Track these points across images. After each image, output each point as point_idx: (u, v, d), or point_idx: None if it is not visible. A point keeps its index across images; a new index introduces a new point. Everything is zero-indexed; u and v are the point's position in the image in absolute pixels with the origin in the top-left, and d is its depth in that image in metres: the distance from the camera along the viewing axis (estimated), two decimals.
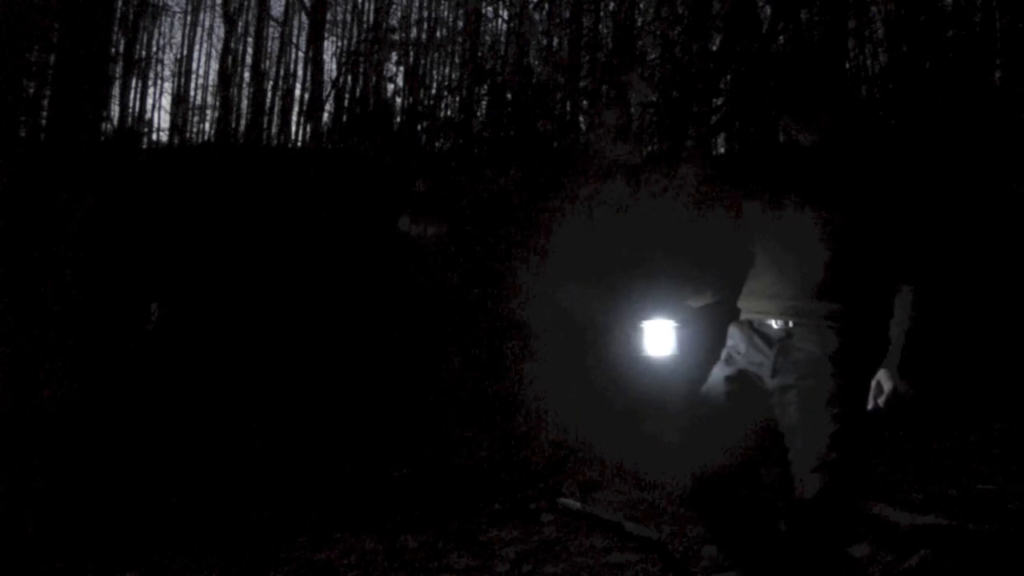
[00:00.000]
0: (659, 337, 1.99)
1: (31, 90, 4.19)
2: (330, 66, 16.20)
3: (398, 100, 12.33)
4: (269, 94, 16.54)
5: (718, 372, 1.97)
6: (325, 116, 14.06)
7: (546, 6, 8.89)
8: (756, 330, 1.93)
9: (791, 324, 1.86)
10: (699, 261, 2.08)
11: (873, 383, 1.81)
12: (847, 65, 7.24)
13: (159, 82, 17.29)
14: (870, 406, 1.80)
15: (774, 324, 1.89)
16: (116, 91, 14.07)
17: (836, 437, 1.74)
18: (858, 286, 1.84)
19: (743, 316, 2.01)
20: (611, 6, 8.09)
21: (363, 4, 16.18)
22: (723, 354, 2.01)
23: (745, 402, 1.89)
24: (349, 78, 15.18)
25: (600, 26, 8.61)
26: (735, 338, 1.98)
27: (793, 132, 1.93)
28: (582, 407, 4.13)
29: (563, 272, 4.07)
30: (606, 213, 4.34)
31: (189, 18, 17.87)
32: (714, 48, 4.92)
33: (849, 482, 1.73)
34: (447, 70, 14.94)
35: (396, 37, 14.15)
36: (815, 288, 1.83)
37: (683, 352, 2.01)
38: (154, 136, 16.51)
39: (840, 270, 1.83)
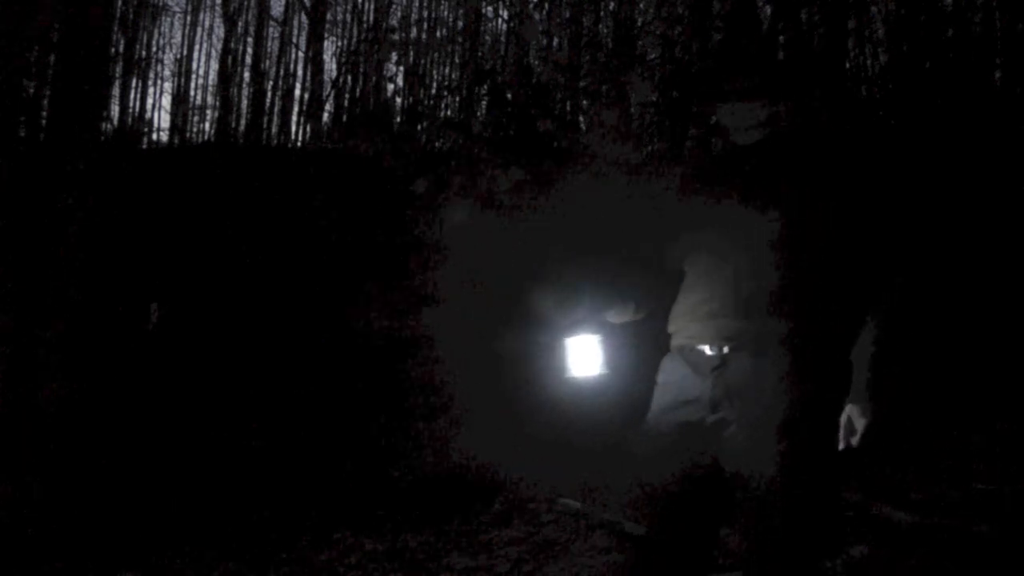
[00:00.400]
0: (585, 354, 1.73)
1: (31, 90, 4.19)
2: (330, 66, 16.22)
3: (398, 100, 12.36)
4: (269, 94, 16.57)
5: (655, 408, 1.71)
6: (325, 116, 14.07)
7: (546, 6, 8.90)
8: (688, 359, 1.65)
9: (727, 350, 1.58)
10: (620, 271, 1.80)
11: (843, 420, 1.59)
12: (847, 65, 7.24)
13: (159, 82, 17.32)
14: (842, 446, 1.58)
15: (707, 350, 1.61)
16: (116, 91, 14.10)
17: (791, 473, 1.49)
18: (811, 301, 1.55)
19: (674, 342, 1.72)
20: (611, 6, 8.11)
21: (363, 4, 16.20)
22: (656, 387, 1.73)
23: (688, 442, 1.61)
24: (349, 78, 15.20)
25: (600, 26, 8.62)
26: (667, 372, 1.71)
27: (726, 125, 1.65)
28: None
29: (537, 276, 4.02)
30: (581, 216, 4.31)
31: (189, 18, 17.90)
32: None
33: (811, 517, 1.53)
34: (447, 70, 14.97)
35: (396, 37, 14.17)
36: (760, 304, 1.55)
37: (612, 369, 1.75)
38: (154, 136, 16.54)
39: (790, 282, 1.54)
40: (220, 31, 17.31)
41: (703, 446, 1.60)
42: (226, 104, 16.20)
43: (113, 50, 12.34)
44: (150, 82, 16.84)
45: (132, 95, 15.76)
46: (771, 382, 1.54)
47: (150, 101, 19.92)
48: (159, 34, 17.31)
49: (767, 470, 1.51)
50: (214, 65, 17.66)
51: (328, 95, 14.69)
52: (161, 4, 16.29)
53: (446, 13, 15.68)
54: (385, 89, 13.30)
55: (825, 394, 1.57)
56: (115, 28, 12.12)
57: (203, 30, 18.53)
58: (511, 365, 3.88)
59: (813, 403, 1.54)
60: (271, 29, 17.29)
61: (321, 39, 15.02)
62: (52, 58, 3.93)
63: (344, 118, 13.89)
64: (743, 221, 1.60)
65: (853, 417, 1.59)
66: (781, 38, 5.95)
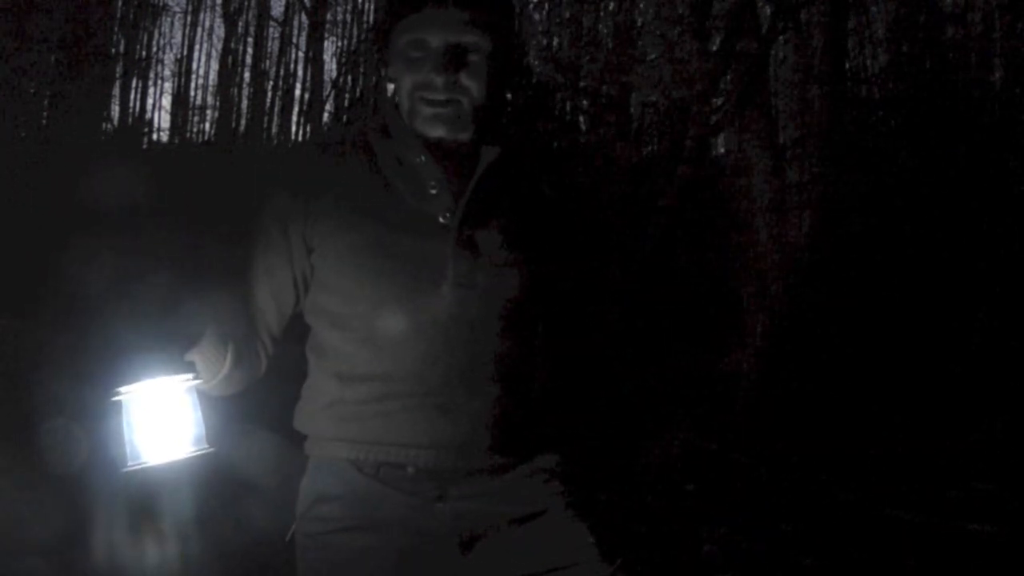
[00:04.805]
0: (162, 418, 0.86)
1: (31, 90, 4.20)
2: (330, 66, 16.23)
3: None
4: (269, 94, 16.58)
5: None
6: (325, 116, 14.08)
7: (546, 6, 8.91)
8: (376, 478, 0.94)
9: (461, 478, 0.93)
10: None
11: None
12: (847, 65, 7.25)
13: (159, 82, 17.33)
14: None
15: (409, 470, 0.93)
16: (116, 91, 14.11)
17: None
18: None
19: (323, 449, 1.00)
20: (611, 6, 8.11)
21: (363, 4, 16.19)
22: (305, 509, 0.99)
23: None
24: (349, 78, 15.21)
25: (600, 26, 8.63)
26: (328, 492, 0.97)
27: None
28: None
29: None
30: None
31: (189, 18, 17.91)
32: (714, 48, 4.93)
33: None
34: None
35: None
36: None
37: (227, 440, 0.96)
38: (154, 136, 16.56)
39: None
40: (220, 31, 17.34)
41: None
42: (226, 104, 16.23)
43: (113, 50, 12.35)
44: (150, 82, 16.87)
45: (132, 95, 15.79)
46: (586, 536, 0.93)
47: (150, 101, 19.93)
48: (159, 34, 17.32)
49: None
50: (214, 65, 17.69)
51: (328, 95, 14.71)
52: (161, 4, 16.29)
53: None
54: (385, 89, 13.33)
55: None
56: (115, 28, 12.14)
57: (203, 30, 18.53)
58: None
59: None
60: (271, 29, 17.32)
61: (321, 39, 15.02)
62: (52, 58, 3.94)
63: (344, 118, 13.91)
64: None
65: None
66: (781, 38, 5.95)
